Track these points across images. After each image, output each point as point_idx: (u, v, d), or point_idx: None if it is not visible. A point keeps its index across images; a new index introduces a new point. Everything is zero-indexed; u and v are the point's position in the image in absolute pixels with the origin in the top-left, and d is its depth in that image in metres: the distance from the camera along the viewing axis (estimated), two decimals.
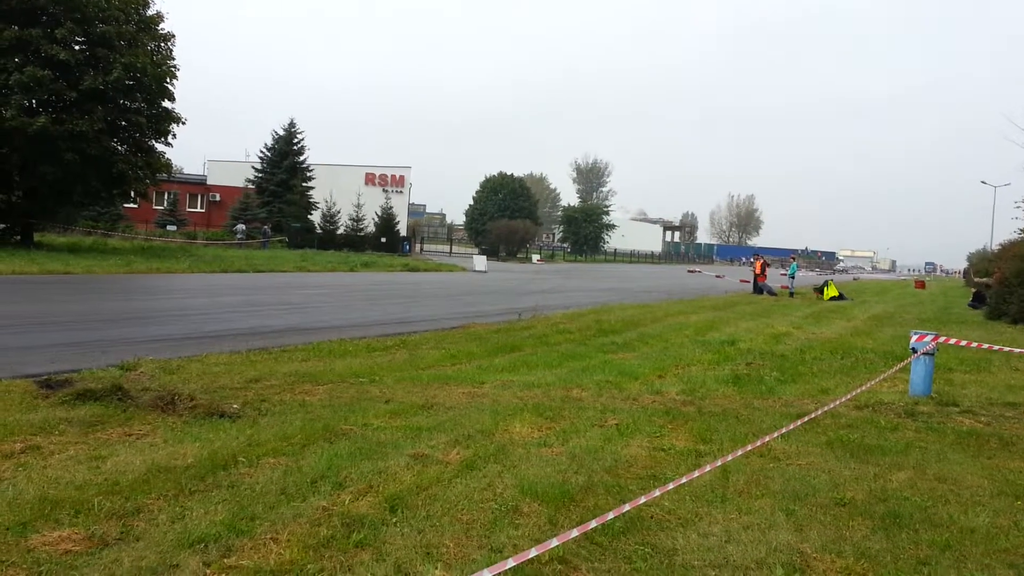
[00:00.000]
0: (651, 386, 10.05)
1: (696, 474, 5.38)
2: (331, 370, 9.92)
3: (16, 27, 29.24)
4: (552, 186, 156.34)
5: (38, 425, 6.41)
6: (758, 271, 34.38)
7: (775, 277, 39.33)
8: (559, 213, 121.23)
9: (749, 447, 6.20)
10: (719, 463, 5.73)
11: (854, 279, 70.97)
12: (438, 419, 7.49)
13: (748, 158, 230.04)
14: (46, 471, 5.29)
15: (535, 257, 76.20)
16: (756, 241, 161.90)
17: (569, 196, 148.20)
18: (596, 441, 6.94)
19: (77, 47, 31.01)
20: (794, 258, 42.40)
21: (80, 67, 30.24)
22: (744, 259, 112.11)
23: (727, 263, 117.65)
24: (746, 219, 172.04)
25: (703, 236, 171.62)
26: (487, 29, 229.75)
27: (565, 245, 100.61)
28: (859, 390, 8.85)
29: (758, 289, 33.72)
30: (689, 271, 61.46)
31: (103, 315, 14.93)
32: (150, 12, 33.50)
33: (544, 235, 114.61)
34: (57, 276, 22.43)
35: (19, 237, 32.36)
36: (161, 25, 33.88)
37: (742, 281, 40.72)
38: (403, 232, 65.88)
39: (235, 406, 7.50)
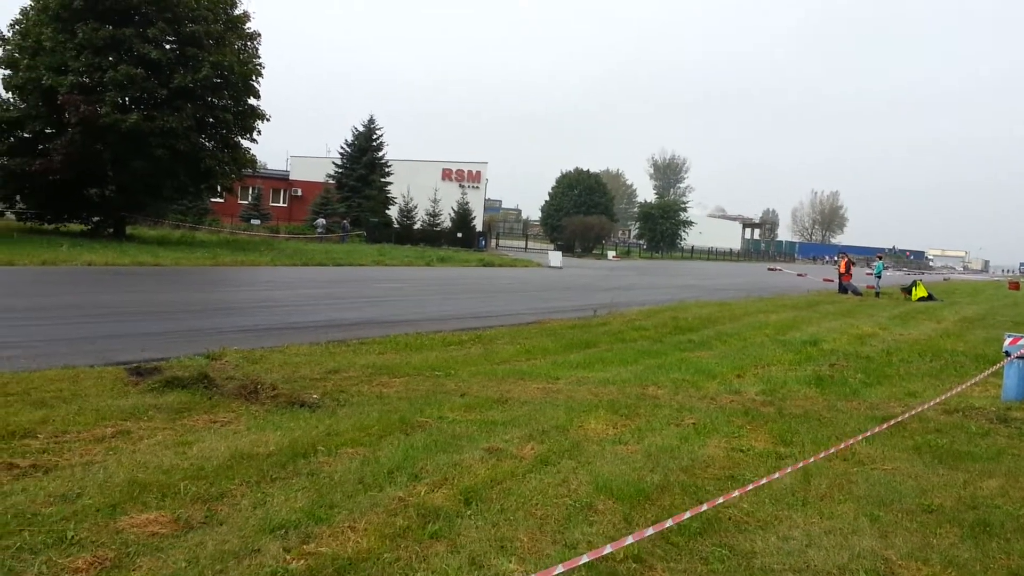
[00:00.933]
0: (729, 385, 9.88)
1: (777, 475, 5.26)
2: (407, 363, 10.03)
3: (110, 27, 30.38)
4: (629, 182, 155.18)
5: (128, 411, 6.65)
6: (843, 270, 33.45)
7: (860, 276, 38.19)
8: (635, 209, 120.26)
9: (832, 450, 6.04)
10: (800, 465, 5.59)
11: (944, 279, 68.44)
12: (512, 414, 7.49)
13: (833, 154, 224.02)
14: (135, 455, 5.48)
15: (610, 253, 75.75)
16: (840, 239, 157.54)
17: (646, 192, 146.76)
18: (672, 440, 6.85)
19: (168, 46, 32.05)
20: (880, 257, 41.07)
21: (171, 65, 31.25)
22: (828, 257, 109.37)
23: (810, 261, 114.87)
24: (830, 216, 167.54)
25: (784, 233, 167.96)
26: (563, 26, 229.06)
27: (641, 242, 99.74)
28: (949, 394, 8.54)
29: (843, 288, 32.81)
30: (769, 269, 60.24)
31: (190, 306, 15.42)
32: (237, 11, 34.37)
33: (620, 231, 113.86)
34: (147, 268, 23.26)
35: (112, 230, 33.65)
36: (247, 24, 34.75)
37: (825, 280, 39.66)
38: (479, 227, 66.23)
39: (315, 396, 7.65)
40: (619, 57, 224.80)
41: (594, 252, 76.26)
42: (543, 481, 5.48)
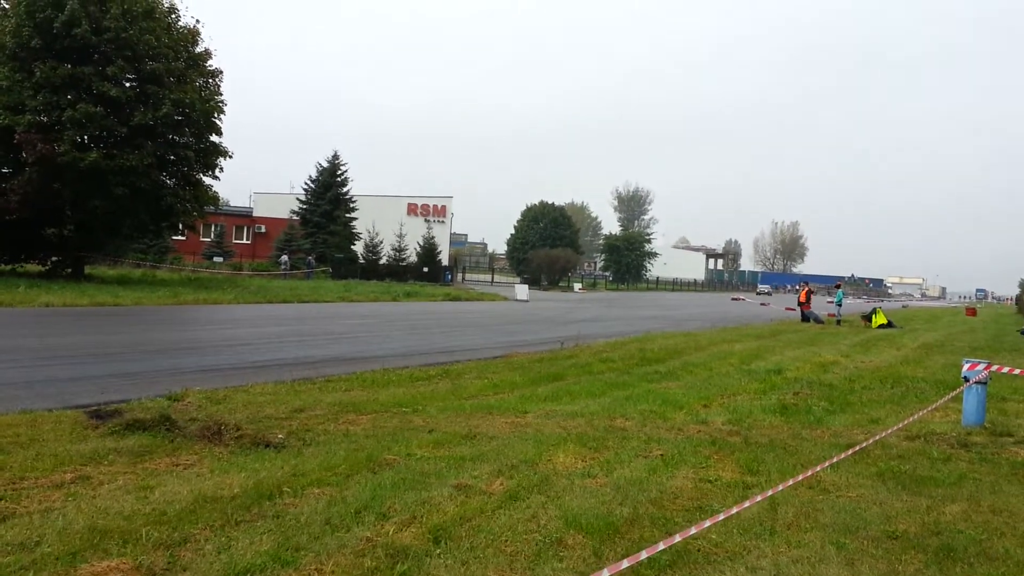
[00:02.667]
0: (696, 416, 9.93)
1: (747, 504, 5.28)
2: (375, 400, 9.96)
3: (69, 65, 30.08)
4: (593, 215, 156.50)
5: (88, 455, 6.52)
6: (803, 299, 33.95)
7: (821, 304, 38.66)
8: (600, 242, 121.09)
9: (800, 477, 6.08)
10: (768, 494, 5.62)
11: (903, 306, 69.63)
12: (481, 449, 7.46)
13: (792, 185, 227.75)
14: (95, 501, 5.36)
15: (577, 286, 76.04)
16: (801, 268, 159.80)
17: (610, 225, 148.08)
18: (641, 472, 6.86)
19: (128, 84, 31.78)
20: (839, 285, 41.73)
21: (131, 103, 31.00)
22: (789, 287, 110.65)
23: (772, 290, 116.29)
24: (791, 246, 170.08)
25: (747, 263, 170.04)
26: (528, 59, 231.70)
27: (607, 274, 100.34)
28: (910, 420, 8.65)
29: (805, 317, 33.26)
30: (733, 299, 60.77)
31: (152, 346, 15.19)
32: (199, 49, 34.27)
33: (586, 264, 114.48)
34: (107, 308, 22.91)
35: (70, 270, 33.10)
36: (209, 62, 34.66)
37: (787, 309, 40.15)
38: (445, 261, 66.25)
39: (280, 436, 7.56)
40: (583, 92, 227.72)
41: (560, 285, 76.50)
42: (512, 517, 5.45)
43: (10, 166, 30.95)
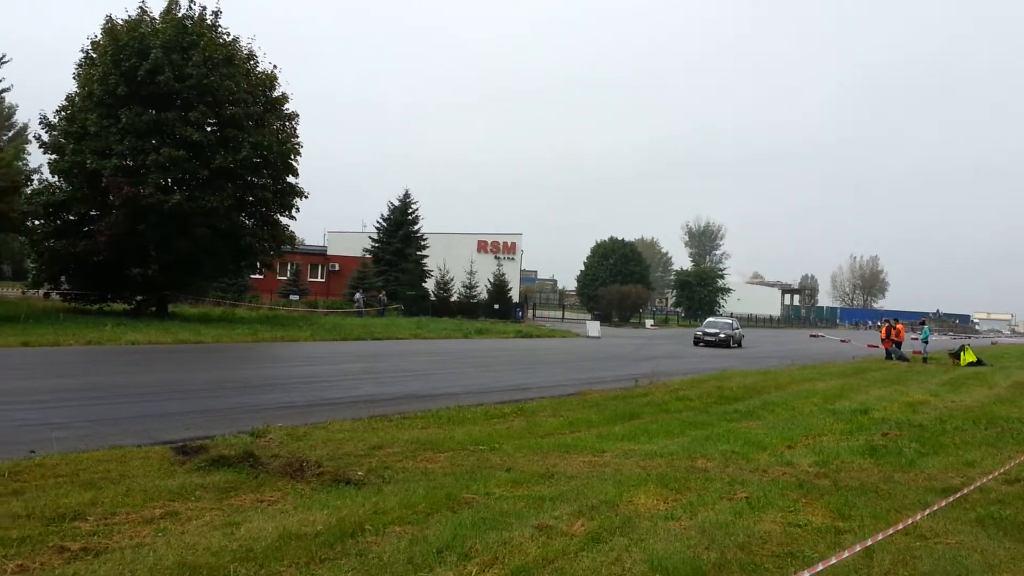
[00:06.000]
0: (780, 457, 9.63)
1: (845, 555, 5.06)
2: (451, 438, 9.94)
3: (153, 111, 31.40)
4: (664, 250, 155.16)
5: (176, 491, 6.63)
6: (883, 335, 33.02)
7: (906, 342, 37.45)
8: (671, 277, 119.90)
9: (900, 526, 5.82)
10: (868, 543, 5.38)
11: (992, 343, 66.94)
12: (560, 489, 7.35)
13: (870, 218, 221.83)
14: (184, 537, 5.43)
15: (648, 322, 75.31)
16: (882, 304, 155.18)
17: (681, 260, 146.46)
18: (726, 515, 6.66)
19: (209, 128, 32.95)
20: (924, 322, 40.37)
21: (212, 147, 32.08)
22: (871, 323, 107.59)
23: (852, 327, 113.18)
24: (870, 281, 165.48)
25: (824, 299, 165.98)
26: (593, 96, 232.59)
27: (679, 310, 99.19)
28: (1011, 464, 8.23)
29: (889, 355, 32.27)
30: (811, 335, 59.36)
31: (232, 383, 15.51)
32: (276, 93, 35.35)
33: (657, 299, 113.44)
34: (189, 345, 23.53)
35: (155, 308, 34.16)
36: (286, 105, 35.72)
37: (870, 346, 38.98)
38: (515, 298, 66.37)
39: (360, 473, 7.58)
40: (651, 125, 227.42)
41: (632, 321, 75.87)
42: (596, 560, 5.33)
43: (98, 208, 32.33)
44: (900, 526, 5.98)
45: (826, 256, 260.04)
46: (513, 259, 76.02)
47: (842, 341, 48.00)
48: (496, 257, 73.00)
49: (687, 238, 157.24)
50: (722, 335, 40.48)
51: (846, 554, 5.22)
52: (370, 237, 62.09)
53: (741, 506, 7.00)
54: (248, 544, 5.28)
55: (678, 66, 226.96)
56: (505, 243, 77.12)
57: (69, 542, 5.20)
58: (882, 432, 11.91)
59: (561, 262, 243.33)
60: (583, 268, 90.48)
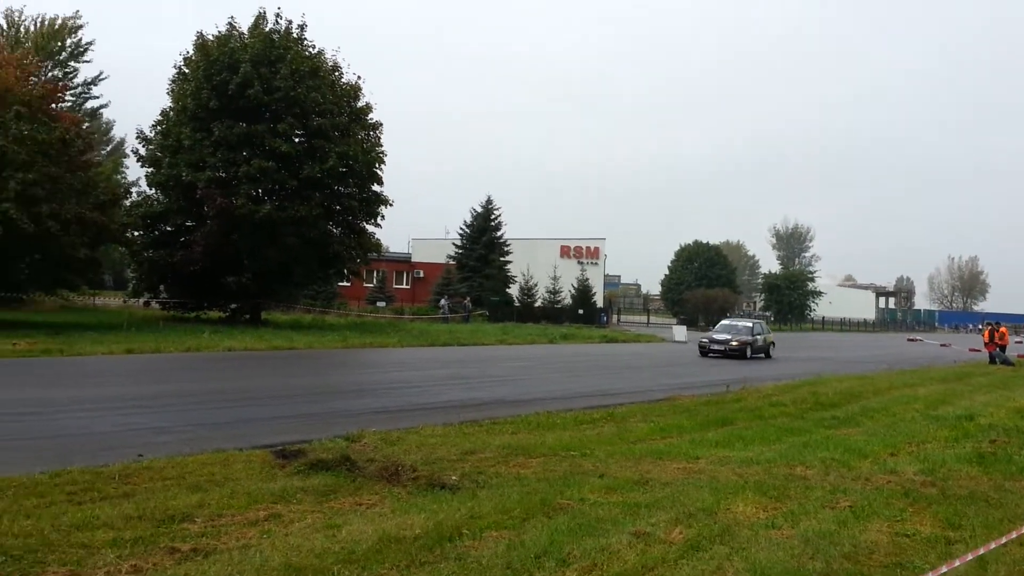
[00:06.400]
0: (883, 464, 9.30)
1: (956, 563, 4.85)
2: (542, 443, 9.92)
3: (244, 124, 32.50)
4: (750, 253, 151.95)
5: (277, 493, 6.80)
6: (986, 339, 31.69)
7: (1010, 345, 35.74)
8: (759, 280, 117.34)
9: (1014, 535, 5.54)
10: (981, 551, 5.14)
11: None
12: (655, 495, 7.26)
13: (967, 217, 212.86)
14: (288, 539, 5.56)
15: None
16: (983, 306, 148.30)
17: (769, 263, 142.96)
18: (829, 524, 6.46)
19: (297, 139, 33.89)
20: None
21: (300, 158, 32.97)
22: (972, 326, 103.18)
23: (952, 330, 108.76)
24: (970, 283, 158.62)
25: (921, 302, 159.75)
26: (676, 101, 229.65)
27: (767, 313, 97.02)
28: None
29: (992, 359, 30.91)
30: (909, 339, 57.22)
31: (325, 388, 15.86)
32: (360, 104, 36.09)
33: (744, 303, 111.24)
34: (283, 352, 24.12)
35: (248, 316, 35.21)
36: (370, 115, 36.42)
37: (972, 350, 37.39)
38: (599, 303, 66.03)
39: (454, 478, 7.64)
40: (735, 127, 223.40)
41: None
42: (696, 568, 5.24)
43: (193, 219, 33.64)
44: (1014, 535, 5.70)
45: (922, 257, 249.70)
46: (596, 264, 75.62)
47: (942, 345, 46.14)
48: (579, 262, 72.70)
49: (774, 240, 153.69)
50: (735, 343, 30.63)
51: (958, 563, 5.00)
52: (453, 243, 62.68)
53: (845, 515, 6.78)
54: (349, 547, 5.37)
55: (760, 68, 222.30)
56: (588, 248, 76.79)
57: (179, 543, 5.38)
58: (990, 439, 11.40)
59: (644, 267, 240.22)
60: (667, 272, 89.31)
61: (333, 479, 7.37)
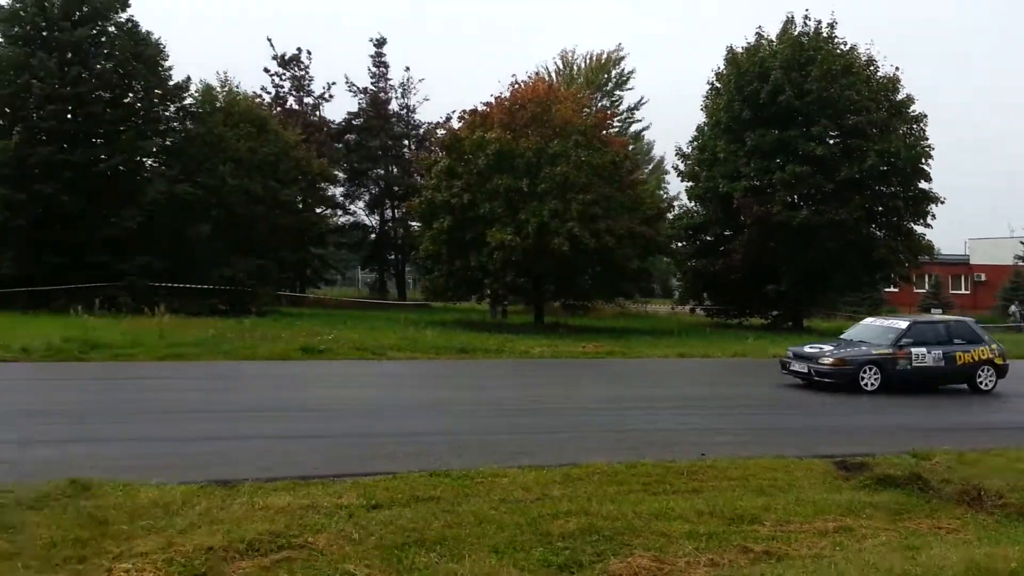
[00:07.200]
0: None
1: None
2: None
3: (776, 131, 32.46)
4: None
5: (844, 506, 6.58)
6: None
7: None
8: None
9: None
10: None
11: None
12: None
13: None
14: (861, 554, 5.34)
15: None
16: None
17: None
18: None
19: (831, 141, 32.90)
20: None
21: (835, 160, 31.89)
22: None
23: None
24: None
25: None
26: None
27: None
28: None
29: None
30: None
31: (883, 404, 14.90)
32: (899, 97, 33.63)
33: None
34: None
35: (791, 323, 35.01)
36: (912, 107, 33.72)
37: None
38: None
39: None
40: None
41: None
42: None
43: (731, 229, 34.81)
44: None
45: None
46: None
47: None
48: None
49: None
50: (847, 367, 14.90)
51: None
52: (1021, 242, 54.61)
53: None
54: (933, 572, 4.94)
55: None
56: None
57: (751, 543, 5.47)
58: None
59: None
60: None
61: (904, 497, 6.90)
